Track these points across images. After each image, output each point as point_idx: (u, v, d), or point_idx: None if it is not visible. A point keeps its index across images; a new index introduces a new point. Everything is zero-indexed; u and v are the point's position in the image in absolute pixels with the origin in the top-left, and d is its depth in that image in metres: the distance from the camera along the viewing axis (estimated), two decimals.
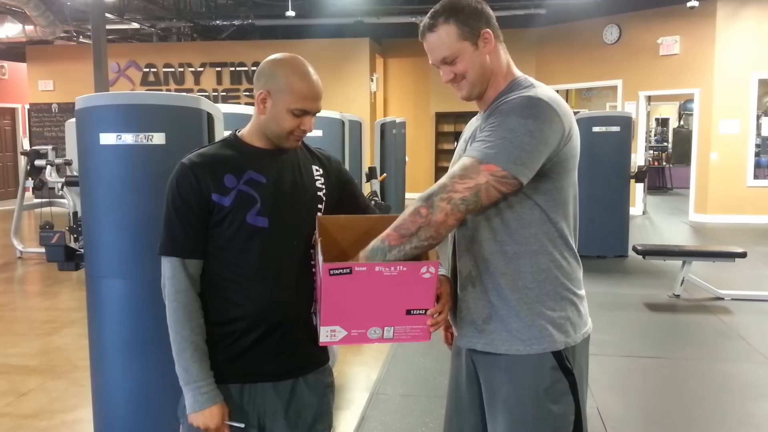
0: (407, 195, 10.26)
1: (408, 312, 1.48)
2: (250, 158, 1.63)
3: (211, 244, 1.60)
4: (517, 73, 1.67)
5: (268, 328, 1.60)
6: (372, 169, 7.68)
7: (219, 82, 12.63)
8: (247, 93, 12.49)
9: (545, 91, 1.56)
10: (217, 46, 12.70)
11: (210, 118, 2.51)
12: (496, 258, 1.58)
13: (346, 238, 1.62)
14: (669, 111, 17.01)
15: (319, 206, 1.69)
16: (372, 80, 12.33)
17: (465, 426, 1.76)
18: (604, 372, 4.03)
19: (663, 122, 16.98)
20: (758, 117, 10.36)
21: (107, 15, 10.44)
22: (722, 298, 5.77)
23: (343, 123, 5.71)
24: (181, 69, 12.71)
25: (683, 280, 5.79)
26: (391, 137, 8.79)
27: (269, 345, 1.61)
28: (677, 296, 5.82)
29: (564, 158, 1.54)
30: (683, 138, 14.96)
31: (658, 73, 10.87)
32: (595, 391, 3.63)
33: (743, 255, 5.67)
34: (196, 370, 1.56)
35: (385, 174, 8.20)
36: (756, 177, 10.45)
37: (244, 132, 1.68)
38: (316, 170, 1.73)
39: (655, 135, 16.17)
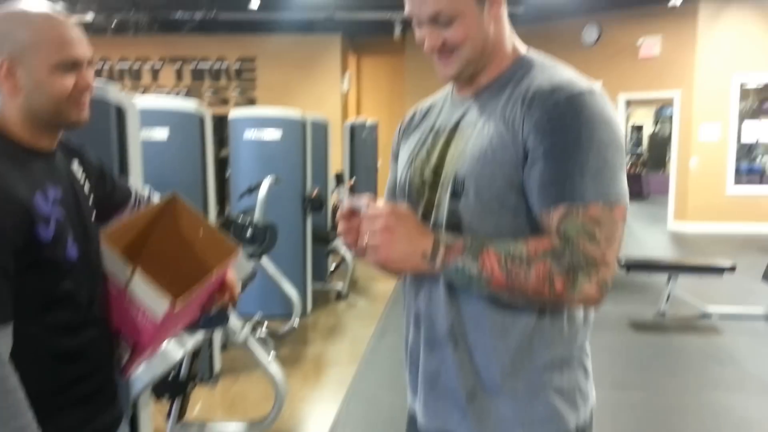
0: (379, 201, 9.78)
1: (200, 305, 1.47)
2: (38, 164, 1.25)
3: (23, 293, 1.18)
4: (523, 47, 1.26)
5: (98, 375, 1.35)
6: (339, 175, 7.20)
7: (179, 78, 11.99)
8: (211, 91, 11.89)
9: (582, 78, 1.17)
10: (177, 41, 12.01)
11: (120, 113, 2.01)
12: (493, 309, 1.15)
13: (123, 245, 1.42)
14: (644, 116, 16.81)
15: (93, 214, 1.39)
16: (344, 79, 11.84)
17: None
18: None
19: (638, 128, 16.78)
20: (740, 121, 10.06)
21: (57, 6, 9.81)
22: (710, 316, 5.40)
23: (304, 124, 5.23)
24: (138, 64, 12.04)
25: (669, 297, 5.41)
26: (360, 140, 8.32)
27: (103, 393, 1.37)
28: (663, 314, 5.44)
29: None
30: (658, 143, 14.76)
31: (638, 75, 10.55)
32: None
33: (732, 269, 5.30)
34: None
35: (354, 178, 7.73)
36: (737, 183, 10.16)
37: (2, 127, 1.25)
38: (78, 167, 1.39)
39: (630, 140, 15.94)
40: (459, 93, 1.28)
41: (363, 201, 1.14)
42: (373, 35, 12.39)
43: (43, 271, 1.20)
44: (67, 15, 1.26)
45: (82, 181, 1.39)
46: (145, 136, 3.37)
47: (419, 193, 1.24)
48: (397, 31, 10.96)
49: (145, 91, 11.83)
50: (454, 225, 1.15)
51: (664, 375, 4.26)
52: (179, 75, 11.97)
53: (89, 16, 10.90)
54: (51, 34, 1.20)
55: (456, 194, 1.15)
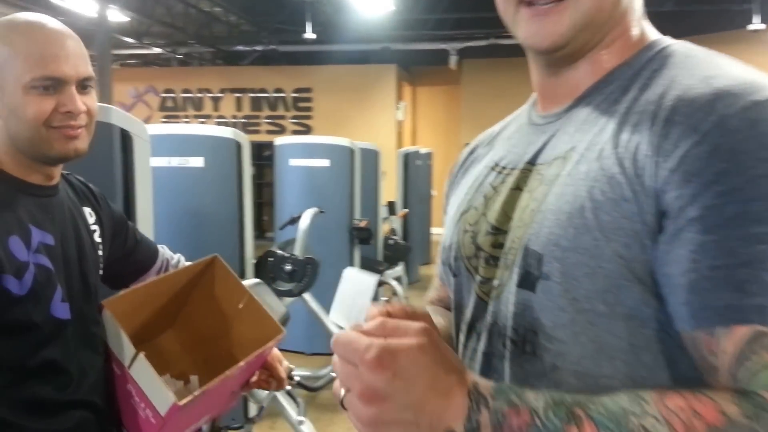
0: (433, 230, 9.55)
1: (232, 392, 1.29)
2: (26, 202, 1.05)
3: None
4: (654, 32, 0.77)
5: None
6: (391, 204, 7.00)
7: (239, 108, 12.17)
8: (269, 120, 12.00)
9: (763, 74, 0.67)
10: (237, 72, 12.28)
11: (125, 136, 1.86)
12: None
13: (145, 314, 1.23)
14: None
15: (100, 272, 1.20)
16: (398, 108, 11.74)
17: None
18: None
19: None
20: None
21: (126, 39, 10.11)
22: None
23: (352, 151, 5.05)
24: (200, 95, 12.29)
25: None
26: (414, 169, 8.13)
27: None
28: None
29: None
30: None
31: None
32: None
33: None
34: None
35: (406, 210, 7.51)
36: None
37: None
38: (90, 215, 1.20)
39: None
40: (543, 109, 0.80)
41: (374, 308, 0.64)
42: (428, 65, 12.31)
43: (14, 333, 1.01)
44: (64, 28, 1.08)
45: (91, 231, 1.20)
46: (181, 164, 3.26)
47: (471, 268, 0.79)
48: (453, 60, 10.85)
49: (206, 120, 12.05)
50: (525, 333, 0.69)
51: None
52: (239, 105, 12.15)
53: (156, 49, 11.23)
54: (29, 49, 1.02)
55: (528, 279, 0.69)
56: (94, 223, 1.21)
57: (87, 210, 1.21)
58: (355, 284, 0.69)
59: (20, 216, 1.03)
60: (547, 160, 0.74)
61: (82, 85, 1.08)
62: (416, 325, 0.59)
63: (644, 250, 0.62)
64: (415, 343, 0.57)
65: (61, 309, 1.06)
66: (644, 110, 0.66)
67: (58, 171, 1.14)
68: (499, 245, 0.75)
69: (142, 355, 1.09)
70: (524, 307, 0.69)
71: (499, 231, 0.75)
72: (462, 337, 0.79)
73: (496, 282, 0.74)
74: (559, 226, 0.66)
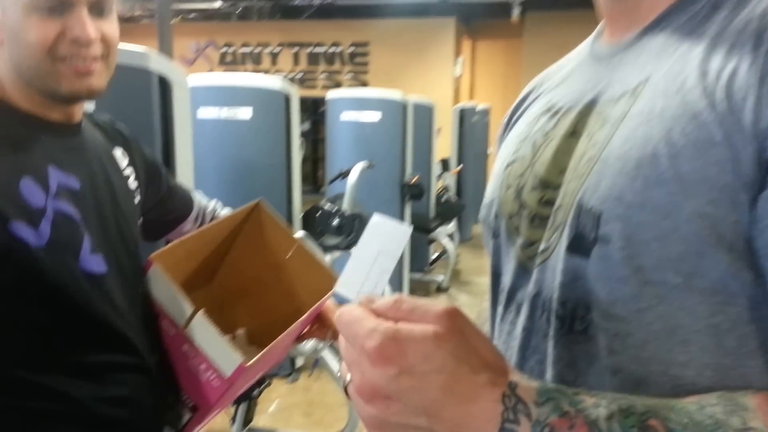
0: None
1: (287, 346, 1.20)
2: (42, 140, 0.92)
3: (9, 324, 0.87)
4: None
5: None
6: (445, 161, 6.92)
7: (296, 63, 12.16)
8: (325, 75, 11.95)
9: None
10: (295, 26, 12.22)
11: (163, 83, 1.81)
12: None
13: (190, 267, 1.15)
14: None
15: (139, 222, 1.09)
16: (456, 64, 11.51)
17: None
18: None
19: None
20: None
21: None
22: None
23: (404, 105, 4.97)
24: (259, 49, 12.32)
25: None
26: (469, 125, 7.98)
27: None
28: None
29: None
30: None
31: None
32: None
33: None
34: None
35: (461, 166, 7.41)
36: None
37: None
38: (123, 156, 1.07)
39: None
40: (611, 37, 0.66)
41: (379, 286, 0.55)
42: (489, 18, 11.96)
43: (40, 291, 0.87)
44: None
45: (125, 176, 1.07)
46: (229, 116, 3.25)
47: (512, 228, 0.67)
48: (515, 13, 10.49)
49: (265, 74, 12.10)
50: (575, 308, 0.57)
51: None
52: (296, 59, 12.14)
53: (217, 4, 11.26)
54: None
55: (582, 243, 0.56)
56: (127, 166, 1.09)
57: (118, 152, 1.08)
58: (382, 237, 0.55)
59: (36, 156, 0.89)
60: (613, 97, 0.60)
61: (97, 8, 0.91)
62: (437, 307, 0.47)
63: (736, 209, 0.48)
64: (431, 331, 0.45)
65: (92, 261, 0.92)
66: (743, 30, 0.51)
67: (78, 108, 0.99)
68: (547, 202, 0.62)
69: (201, 313, 0.98)
70: (575, 276, 0.56)
71: (549, 185, 0.63)
72: (500, 309, 0.68)
73: (542, 245, 0.61)
74: (623, 175, 0.53)
